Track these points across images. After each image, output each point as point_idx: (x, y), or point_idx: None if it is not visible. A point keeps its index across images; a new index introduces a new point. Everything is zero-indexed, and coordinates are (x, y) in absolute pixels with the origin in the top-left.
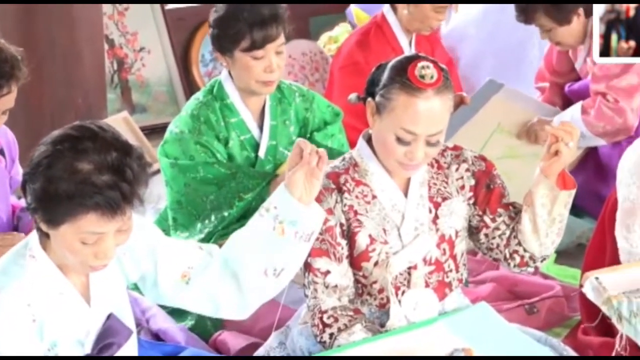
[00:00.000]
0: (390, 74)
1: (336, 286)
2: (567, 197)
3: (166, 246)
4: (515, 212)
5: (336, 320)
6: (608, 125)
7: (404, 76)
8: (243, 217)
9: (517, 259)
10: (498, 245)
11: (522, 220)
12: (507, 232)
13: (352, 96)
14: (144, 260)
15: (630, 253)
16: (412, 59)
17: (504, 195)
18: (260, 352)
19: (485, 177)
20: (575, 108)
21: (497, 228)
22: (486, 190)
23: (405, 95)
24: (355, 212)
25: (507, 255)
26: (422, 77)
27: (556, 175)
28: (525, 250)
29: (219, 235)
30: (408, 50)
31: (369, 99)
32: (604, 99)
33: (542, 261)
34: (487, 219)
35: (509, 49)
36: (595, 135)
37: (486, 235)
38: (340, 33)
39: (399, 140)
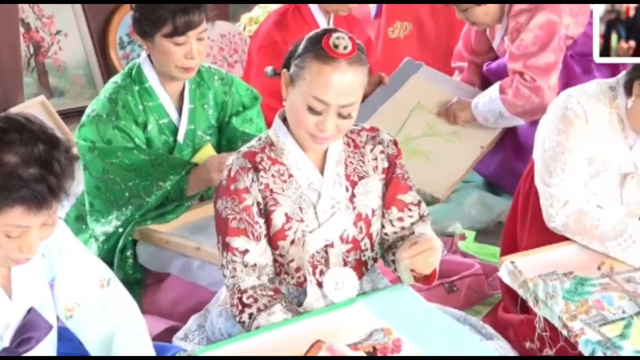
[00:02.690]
0: (305, 44)
1: (255, 265)
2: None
3: (68, 266)
4: (408, 215)
5: (256, 300)
6: (526, 104)
7: (317, 45)
8: (161, 205)
9: (384, 263)
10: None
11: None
12: (387, 238)
13: (269, 69)
14: (55, 267)
15: (552, 196)
16: (329, 31)
17: (402, 188)
18: (179, 335)
19: (395, 162)
20: (494, 88)
21: (382, 225)
22: (391, 178)
23: (317, 63)
24: (272, 191)
25: (380, 254)
26: (336, 46)
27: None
28: (388, 266)
29: (135, 222)
30: None
31: (284, 69)
32: (521, 78)
33: None
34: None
35: None
36: (514, 114)
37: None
38: (261, 14)
39: (310, 109)
